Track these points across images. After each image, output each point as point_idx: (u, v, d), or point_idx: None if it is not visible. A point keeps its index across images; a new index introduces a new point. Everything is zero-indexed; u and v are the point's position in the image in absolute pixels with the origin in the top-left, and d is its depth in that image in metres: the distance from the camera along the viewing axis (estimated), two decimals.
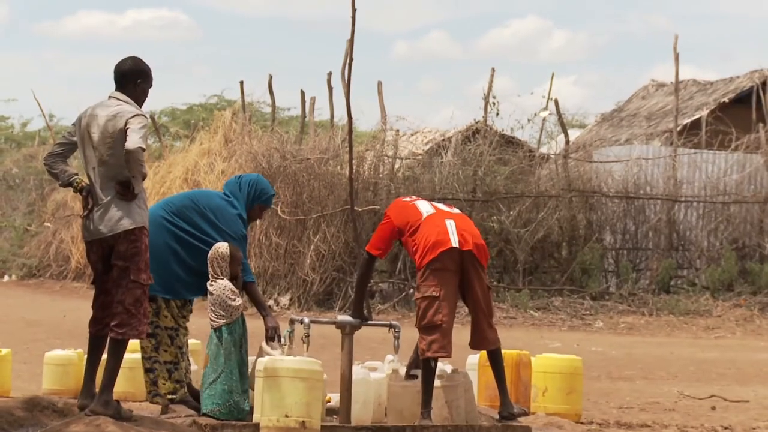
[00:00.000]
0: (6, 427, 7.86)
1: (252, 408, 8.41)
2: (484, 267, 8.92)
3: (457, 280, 8.81)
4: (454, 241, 8.76)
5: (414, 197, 9.38)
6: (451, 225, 8.85)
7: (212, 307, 8.67)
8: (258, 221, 22.00)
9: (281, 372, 7.98)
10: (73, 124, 8.14)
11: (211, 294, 8.68)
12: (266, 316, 8.93)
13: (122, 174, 7.80)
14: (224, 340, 8.62)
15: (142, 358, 8.94)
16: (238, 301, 8.67)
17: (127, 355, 8.10)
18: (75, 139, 8.06)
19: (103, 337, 7.95)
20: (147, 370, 8.94)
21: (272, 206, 8.37)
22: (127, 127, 7.75)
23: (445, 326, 8.69)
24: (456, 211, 9.18)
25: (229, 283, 8.69)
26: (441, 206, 9.17)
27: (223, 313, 8.65)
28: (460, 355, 9.24)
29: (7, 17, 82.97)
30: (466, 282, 8.84)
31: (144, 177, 7.83)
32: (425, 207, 9.04)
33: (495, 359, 9.03)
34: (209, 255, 8.76)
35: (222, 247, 8.76)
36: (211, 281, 8.71)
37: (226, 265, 8.73)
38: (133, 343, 8.78)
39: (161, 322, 8.96)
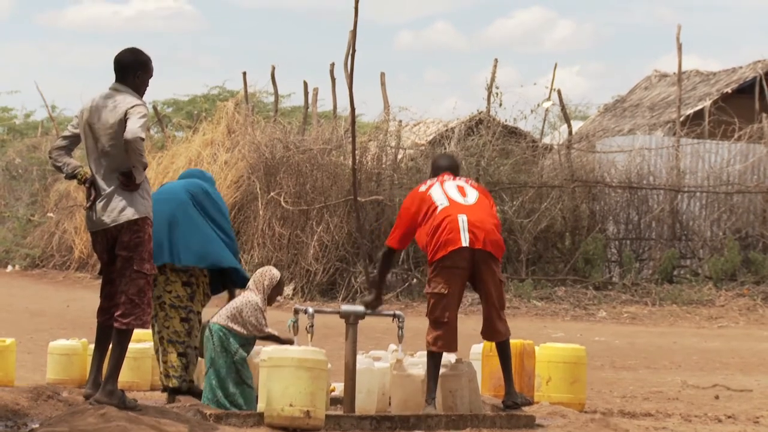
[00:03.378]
0: (11, 417, 7.88)
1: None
2: (498, 261, 8.94)
3: (466, 276, 8.91)
4: (465, 240, 8.78)
5: (430, 183, 9.22)
6: (463, 222, 8.82)
7: (234, 311, 8.64)
8: (261, 212, 22.07)
9: (285, 362, 7.98)
10: (76, 116, 8.15)
11: (245, 298, 8.68)
12: None
13: (124, 164, 7.79)
14: (220, 340, 8.58)
15: (176, 342, 8.90)
16: (265, 328, 8.66)
17: (132, 345, 8.11)
18: (78, 131, 8.07)
19: (111, 327, 7.96)
20: (180, 355, 8.94)
21: None
22: (127, 117, 7.76)
23: (451, 324, 8.82)
24: (472, 195, 9.06)
25: (264, 306, 8.72)
26: (456, 195, 9.07)
27: (240, 324, 8.60)
28: (465, 344, 9.25)
29: (11, 7, 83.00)
30: (477, 277, 8.92)
31: (145, 167, 7.82)
32: (440, 198, 9.00)
33: (503, 350, 9.11)
34: (260, 270, 8.83)
35: (276, 271, 8.86)
36: (250, 290, 8.73)
37: (270, 289, 8.76)
38: (138, 333, 8.78)
39: (195, 307, 8.98)
